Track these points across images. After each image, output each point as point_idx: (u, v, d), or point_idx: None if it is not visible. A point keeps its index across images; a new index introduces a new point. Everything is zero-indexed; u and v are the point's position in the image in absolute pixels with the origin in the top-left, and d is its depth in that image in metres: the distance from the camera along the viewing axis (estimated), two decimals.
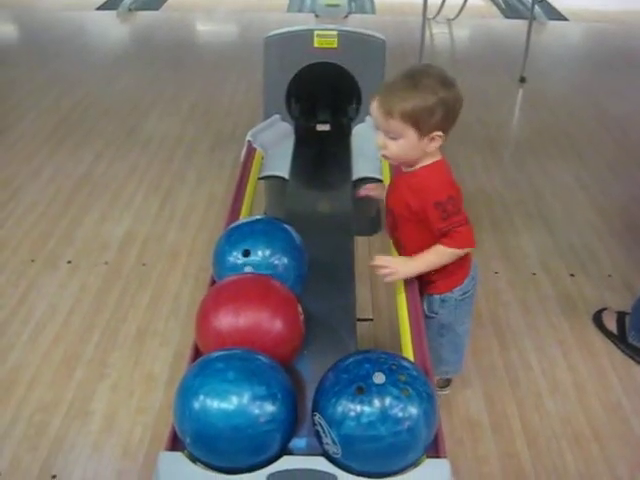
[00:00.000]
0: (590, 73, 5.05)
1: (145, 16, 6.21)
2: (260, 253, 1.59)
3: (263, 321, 1.44)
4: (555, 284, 2.69)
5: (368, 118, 2.67)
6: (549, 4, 6.69)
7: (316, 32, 2.55)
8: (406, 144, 1.56)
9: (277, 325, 1.45)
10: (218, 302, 1.48)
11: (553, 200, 3.31)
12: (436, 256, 1.64)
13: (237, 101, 4.35)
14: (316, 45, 2.56)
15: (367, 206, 2.72)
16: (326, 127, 2.75)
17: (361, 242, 2.74)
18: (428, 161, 1.61)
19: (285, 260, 1.60)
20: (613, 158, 3.75)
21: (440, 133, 1.55)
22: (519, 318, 2.49)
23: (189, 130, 3.96)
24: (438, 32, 5.60)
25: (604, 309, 2.50)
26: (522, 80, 4.65)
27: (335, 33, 2.55)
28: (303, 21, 5.95)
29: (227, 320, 1.43)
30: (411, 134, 1.54)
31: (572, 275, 2.74)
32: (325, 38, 2.56)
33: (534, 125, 4.16)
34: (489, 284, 2.65)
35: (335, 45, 2.56)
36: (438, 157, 1.62)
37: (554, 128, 4.09)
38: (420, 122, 1.52)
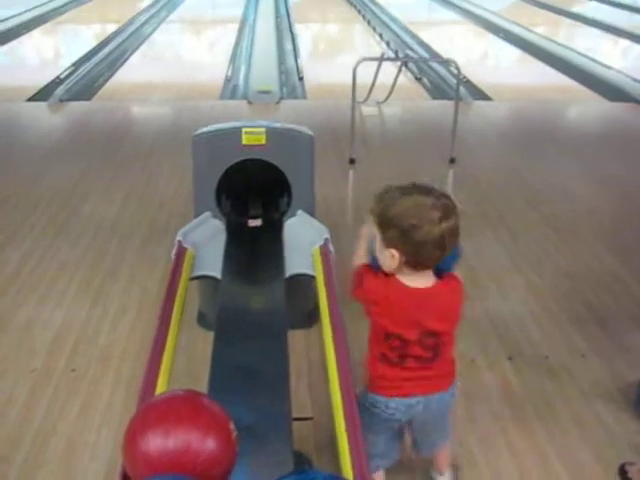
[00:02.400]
0: (514, 150, 5.24)
1: (77, 106, 6.20)
2: None
3: (194, 442, 1.37)
4: (493, 370, 2.69)
5: (300, 212, 2.69)
6: (473, 84, 6.98)
7: (244, 130, 2.57)
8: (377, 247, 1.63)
9: (209, 445, 1.38)
10: (146, 423, 1.41)
11: (488, 281, 3.35)
12: None
13: (171, 191, 4.33)
14: (244, 142, 2.58)
15: (304, 299, 2.70)
16: (258, 222, 2.75)
17: (298, 336, 2.71)
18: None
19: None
20: (542, 234, 3.85)
21: (394, 251, 1.55)
22: (462, 408, 2.47)
23: (122, 223, 3.91)
24: (368, 115, 5.75)
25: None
26: (452, 161, 4.78)
27: (263, 130, 2.58)
28: (235, 108, 6.05)
29: (156, 442, 1.35)
30: (378, 239, 1.61)
31: (510, 359, 2.76)
32: (253, 135, 2.58)
33: (466, 205, 4.23)
34: None
35: (263, 142, 2.59)
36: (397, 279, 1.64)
37: (485, 207, 4.19)
38: (380, 229, 1.58)
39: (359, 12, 12.22)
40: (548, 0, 14.47)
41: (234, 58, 8.37)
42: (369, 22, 11.09)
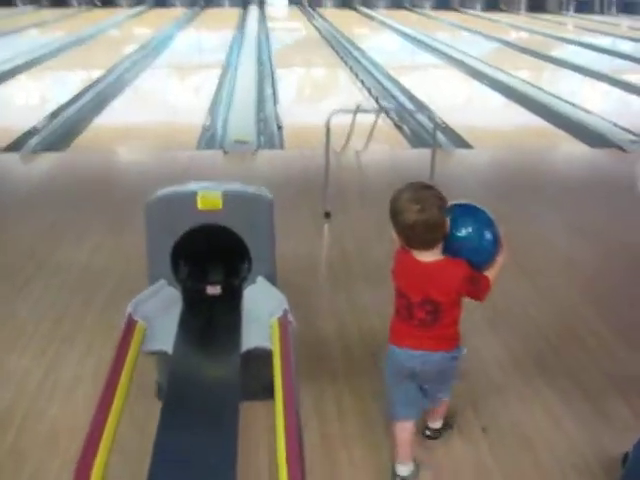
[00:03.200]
0: (494, 199, 5.11)
1: (50, 158, 6.08)
2: None
3: None
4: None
5: (260, 279, 2.55)
6: (454, 131, 6.92)
7: (199, 194, 2.45)
8: None
9: None
10: None
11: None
12: None
13: (140, 248, 4.16)
14: (200, 207, 2.45)
15: (261, 371, 2.54)
16: (217, 290, 2.60)
17: (258, 407, 2.55)
18: None
19: None
20: (517, 285, 3.72)
21: (394, 234, 2.11)
22: None
23: (86, 283, 3.75)
24: (346, 165, 5.65)
25: None
26: None
27: (219, 194, 2.45)
28: (211, 158, 5.95)
29: None
30: None
31: (484, 430, 2.61)
32: (209, 199, 2.45)
33: None
34: None
35: (220, 206, 2.46)
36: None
37: None
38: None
39: (341, 58, 12.27)
40: (530, 44, 14.67)
41: (214, 105, 8.32)
42: (351, 68, 11.13)
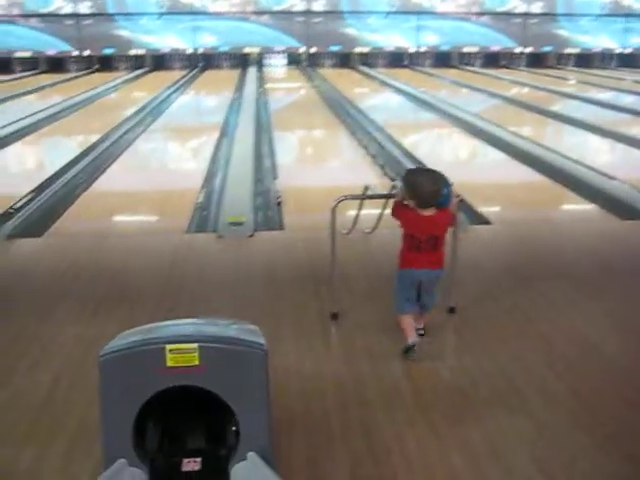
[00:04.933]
0: (519, 289, 4.54)
1: (24, 244, 5.50)
2: None
3: None
4: None
5: (251, 455, 1.92)
6: (469, 205, 6.37)
7: (168, 347, 1.84)
8: None
9: None
10: None
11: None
12: None
13: None
14: (170, 364, 1.85)
15: None
16: (196, 465, 1.97)
17: None
18: None
19: None
20: (569, 410, 3.10)
21: (410, 200, 3.41)
22: None
23: (40, 429, 3.04)
24: (354, 249, 5.05)
25: None
26: (451, 311, 4.06)
27: (195, 347, 1.85)
28: (202, 244, 5.37)
29: None
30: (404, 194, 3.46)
31: None
32: (182, 354, 1.85)
33: (469, 372, 3.51)
34: None
35: (197, 362, 1.85)
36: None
37: (494, 375, 3.45)
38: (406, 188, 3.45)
39: (342, 120, 11.85)
40: (533, 101, 14.33)
41: (209, 176, 7.80)
42: (352, 131, 10.68)
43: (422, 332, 3.68)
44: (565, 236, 5.73)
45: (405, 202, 3.40)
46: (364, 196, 4.19)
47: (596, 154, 10.14)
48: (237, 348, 1.91)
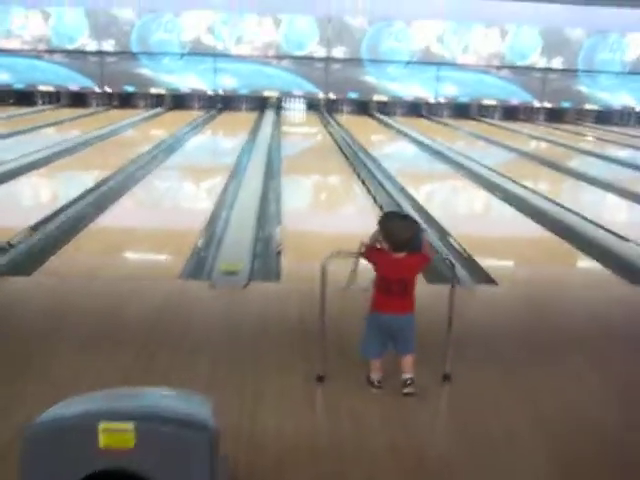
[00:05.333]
0: (522, 356, 4.29)
1: (12, 283, 5.33)
2: None
3: None
4: None
5: None
6: (475, 263, 6.16)
7: (101, 426, 1.63)
8: None
9: None
10: None
11: None
12: None
13: None
14: (102, 445, 1.63)
15: None
16: None
17: None
18: None
19: None
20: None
21: (384, 243, 3.58)
22: None
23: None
24: (348, 306, 4.81)
25: None
26: (445, 378, 3.81)
27: (131, 427, 1.63)
28: (196, 291, 5.16)
29: None
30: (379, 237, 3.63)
31: None
32: (116, 434, 1.63)
33: (462, 436, 3.25)
34: None
35: (132, 444, 1.63)
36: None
37: (485, 443, 3.19)
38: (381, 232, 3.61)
39: (354, 168, 11.71)
40: (550, 156, 14.18)
41: (211, 222, 7.63)
42: (363, 181, 10.53)
43: (410, 381, 3.63)
44: (574, 300, 5.47)
45: (378, 245, 3.56)
46: (357, 253, 3.95)
47: (611, 213, 9.92)
48: (180, 430, 1.69)
